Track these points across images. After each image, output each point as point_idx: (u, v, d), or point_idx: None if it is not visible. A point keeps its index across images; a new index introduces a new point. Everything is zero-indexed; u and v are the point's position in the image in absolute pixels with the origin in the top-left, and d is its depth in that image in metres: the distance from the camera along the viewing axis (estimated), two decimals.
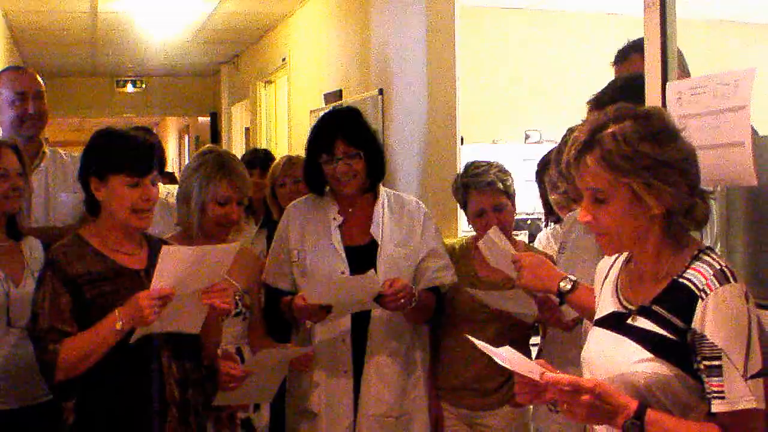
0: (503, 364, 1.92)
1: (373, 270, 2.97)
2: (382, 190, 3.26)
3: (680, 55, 2.77)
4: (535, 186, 3.79)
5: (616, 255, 2.18)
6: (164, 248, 2.46)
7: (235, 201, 3.10)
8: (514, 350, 1.96)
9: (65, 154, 3.97)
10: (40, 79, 3.91)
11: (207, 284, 2.56)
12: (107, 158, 2.68)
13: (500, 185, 3.32)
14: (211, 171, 3.07)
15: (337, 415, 3.12)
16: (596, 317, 2.16)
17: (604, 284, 2.18)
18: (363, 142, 3.15)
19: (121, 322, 2.48)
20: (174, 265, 2.46)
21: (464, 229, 4.21)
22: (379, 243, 3.14)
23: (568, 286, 2.48)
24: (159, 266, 2.45)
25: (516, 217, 3.48)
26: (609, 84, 2.76)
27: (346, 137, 3.11)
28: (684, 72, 2.83)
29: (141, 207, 2.65)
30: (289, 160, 4.47)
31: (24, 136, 3.71)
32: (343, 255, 3.13)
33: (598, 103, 2.65)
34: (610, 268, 2.19)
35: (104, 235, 2.71)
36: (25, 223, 3.26)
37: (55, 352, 2.54)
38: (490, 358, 1.95)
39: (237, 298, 3.07)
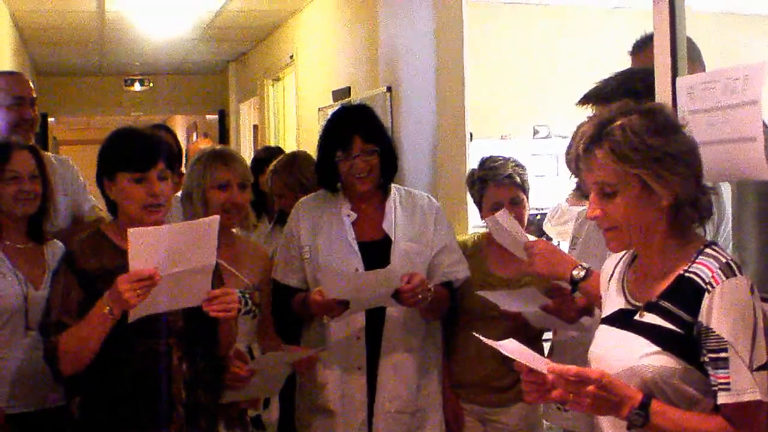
0: (508, 355, 1.93)
1: (393, 264, 2.98)
2: (393, 186, 3.26)
3: (694, 46, 2.73)
4: (544, 181, 3.78)
5: (622, 254, 2.18)
6: (130, 230, 2.41)
7: (235, 183, 3.11)
8: (518, 342, 1.97)
9: (53, 156, 3.97)
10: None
11: (200, 262, 2.51)
12: (112, 156, 2.71)
13: (518, 179, 3.32)
14: (207, 160, 3.15)
15: (352, 412, 3.12)
16: (603, 315, 2.16)
17: (610, 283, 2.19)
18: (379, 138, 3.16)
19: (108, 307, 2.47)
20: (146, 246, 2.42)
21: (474, 224, 4.21)
22: (393, 238, 3.15)
23: (582, 274, 2.49)
24: (130, 249, 2.41)
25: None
26: (606, 79, 2.73)
27: (364, 134, 3.12)
28: (700, 65, 2.80)
29: (150, 203, 2.64)
30: (286, 167, 4.12)
31: (18, 140, 3.69)
32: (357, 250, 3.13)
33: (599, 97, 2.63)
34: (615, 267, 2.20)
35: (122, 231, 2.72)
36: (48, 227, 3.22)
37: (56, 342, 2.57)
38: (503, 356, 1.95)
39: (247, 295, 3.07)
